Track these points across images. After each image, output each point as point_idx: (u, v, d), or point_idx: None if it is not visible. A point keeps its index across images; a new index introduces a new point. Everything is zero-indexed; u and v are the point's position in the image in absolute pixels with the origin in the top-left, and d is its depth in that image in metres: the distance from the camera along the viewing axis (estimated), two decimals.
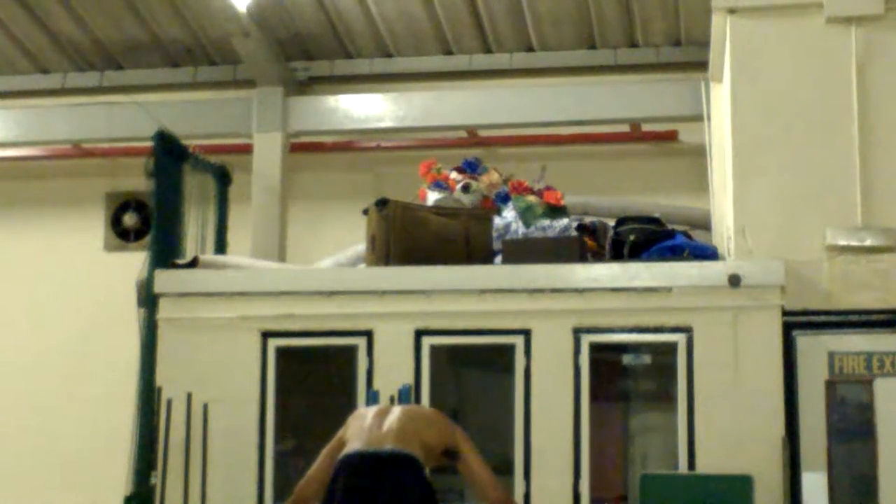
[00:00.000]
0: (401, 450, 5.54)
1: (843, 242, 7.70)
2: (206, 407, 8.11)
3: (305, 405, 8.46)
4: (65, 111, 11.98)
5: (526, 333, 7.81)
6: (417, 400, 7.71)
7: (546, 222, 8.54)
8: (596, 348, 7.80)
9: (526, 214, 8.59)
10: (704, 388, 7.58)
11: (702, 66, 9.70)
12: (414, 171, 9.34)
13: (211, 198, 9.93)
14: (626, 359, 8.14)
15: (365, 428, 5.75)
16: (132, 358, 8.79)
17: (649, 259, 8.03)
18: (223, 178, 10.15)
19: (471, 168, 9.13)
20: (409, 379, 7.77)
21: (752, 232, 7.79)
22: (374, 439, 5.61)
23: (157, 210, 8.97)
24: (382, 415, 5.86)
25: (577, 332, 7.79)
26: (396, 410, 5.92)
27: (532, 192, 8.91)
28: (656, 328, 7.77)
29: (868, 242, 7.68)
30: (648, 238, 8.24)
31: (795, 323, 7.60)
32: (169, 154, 9.10)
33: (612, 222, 8.71)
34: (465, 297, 7.91)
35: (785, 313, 7.60)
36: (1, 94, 12.34)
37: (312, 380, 8.56)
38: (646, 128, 11.32)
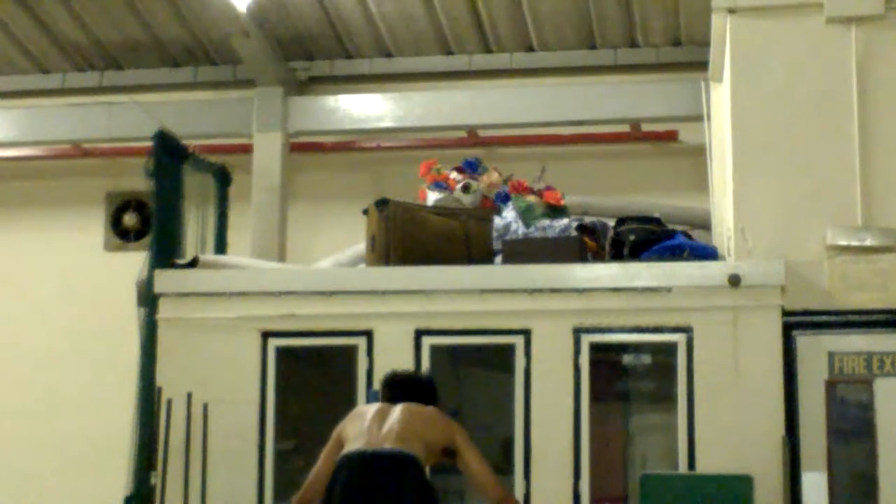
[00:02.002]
0: (401, 450, 5.54)
1: (843, 242, 7.70)
2: (206, 407, 8.11)
3: (305, 405, 8.46)
4: (65, 111, 11.98)
5: (526, 333, 7.81)
6: None
7: (546, 222, 8.53)
8: (596, 348, 7.81)
9: (526, 214, 8.59)
10: (704, 388, 7.59)
11: (702, 66, 9.70)
12: (414, 171, 9.34)
13: (211, 198, 9.93)
14: (626, 359, 8.14)
15: (364, 428, 5.75)
16: (132, 358, 8.79)
17: (649, 259, 8.03)
18: (223, 178, 10.14)
19: (471, 168, 9.14)
20: None
21: (752, 232, 7.79)
22: (375, 439, 5.61)
23: (157, 210, 8.96)
24: (382, 414, 5.86)
25: (577, 332, 7.79)
26: (396, 409, 5.92)
27: (532, 192, 8.91)
28: (656, 328, 7.77)
29: (868, 242, 7.68)
30: (648, 238, 8.24)
31: (795, 323, 7.60)
32: (169, 154, 9.09)
33: (612, 222, 8.71)
34: (465, 297, 7.91)
35: (785, 313, 7.61)
36: (1, 94, 12.34)
37: (312, 380, 8.56)
38: (646, 128, 11.32)
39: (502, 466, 7.79)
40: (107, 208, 12.36)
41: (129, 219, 12.24)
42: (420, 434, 5.76)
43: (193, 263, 8.57)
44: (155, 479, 8.13)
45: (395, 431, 5.68)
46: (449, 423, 6.00)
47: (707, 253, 8.13)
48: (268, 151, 11.36)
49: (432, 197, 8.88)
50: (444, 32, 11.33)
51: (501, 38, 11.36)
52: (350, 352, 8.02)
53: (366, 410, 6.01)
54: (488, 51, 11.54)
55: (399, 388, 6.13)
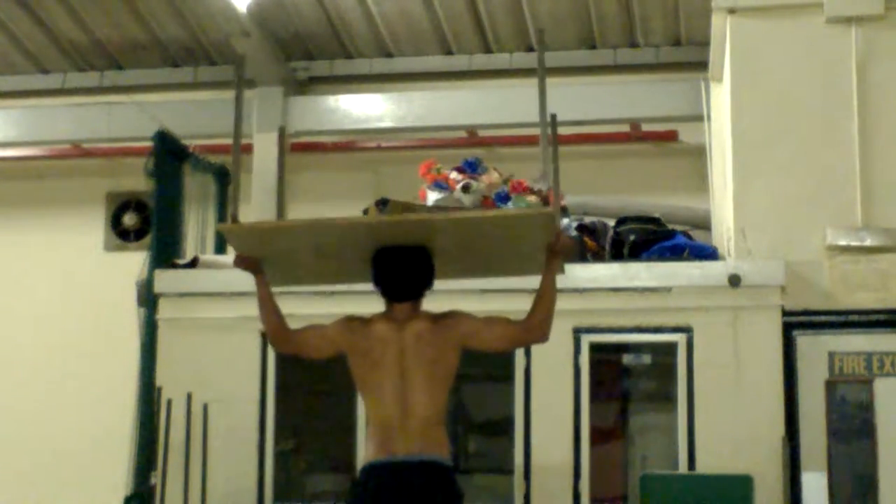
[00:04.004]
0: (429, 457, 5.23)
1: (843, 242, 7.70)
2: (206, 407, 8.11)
3: (305, 405, 8.46)
4: (65, 111, 11.98)
5: None
6: None
7: None
8: (596, 348, 7.81)
9: None
10: (704, 388, 7.59)
11: (702, 66, 9.70)
12: (414, 171, 9.33)
13: (211, 198, 9.93)
14: (626, 359, 8.15)
15: (386, 420, 5.29)
16: (132, 358, 8.79)
17: (649, 259, 8.03)
18: (223, 178, 10.14)
19: (471, 168, 9.11)
20: None
21: (752, 232, 7.79)
22: (400, 444, 5.27)
23: (157, 210, 8.97)
24: (397, 368, 5.28)
25: (577, 332, 7.79)
26: (410, 361, 5.29)
27: (532, 192, 8.89)
28: (656, 328, 7.78)
29: (868, 242, 7.69)
30: (648, 238, 8.25)
31: (795, 323, 7.61)
32: (169, 154, 9.10)
33: (612, 222, 8.71)
34: (465, 296, 7.88)
35: (785, 313, 7.61)
36: (1, 94, 12.34)
37: (312, 380, 8.56)
38: (646, 128, 11.31)
39: (502, 467, 7.81)
40: (107, 208, 12.36)
41: (129, 219, 12.24)
42: (444, 382, 5.32)
43: (193, 263, 8.57)
44: (155, 479, 8.13)
45: (422, 428, 5.21)
46: (453, 335, 5.39)
47: (707, 253, 8.13)
48: (268, 151, 11.35)
49: (432, 197, 8.87)
50: (444, 32, 11.33)
51: (501, 38, 11.36)
52: None
53: (378, 359, 5.31)
54: (488, 51, 11.54)
55: (400, 282, 5.50)
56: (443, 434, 5.35)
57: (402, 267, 5.50)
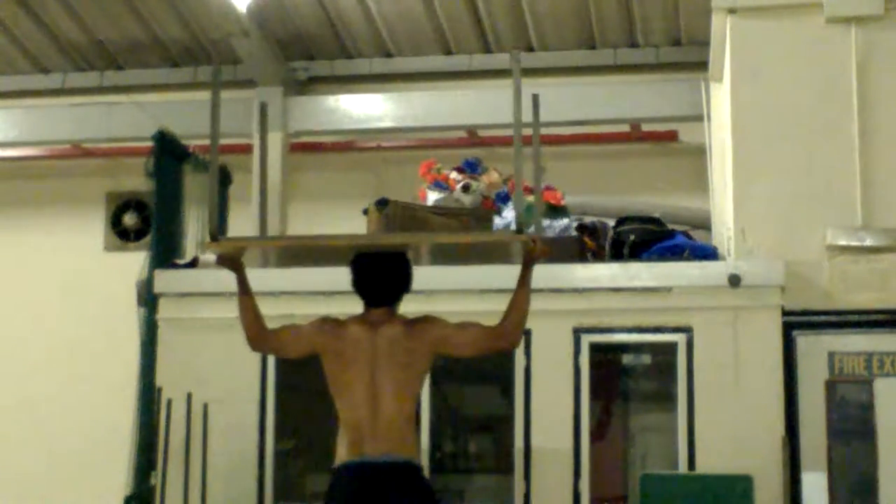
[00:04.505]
0: (399, 458, 5.28)
1: (843, 242, 7.70)
2: (206, 407, 8.11)
3: (305, 405, 8.45)
4: (65, 111, 11.98)
5: (526, 333, 7.78)
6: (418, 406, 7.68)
7: (546, 222, 8.53)
8: (596, 348, 7.81)
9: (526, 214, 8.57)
10: (704, 388, 7.59)
11: (702, 66, 9.70)
12: (414, 171, 9.34)
13: None
14: (626, 359, 8.15)
15: (357, 421, 5.37)
16: (132, 358, 8.79)
17: (649, 259, 8.03)
18: (223, 178, 10.14)
19: (471, 168, 9.13)
20: None
21: (752, 232, 7.79)
22: (370, 445, 5.32)
23: (157, 210, 8.97)
24: (368, 370, 5.35)
25: (577, 332, 7.79)
26: (381, 360, 5.35)
27: (532, 191, 8.89)
28: (656, 328, 7.77)
29: (868, 242, 7.69)
30: (648, 238, 8.24)
31: (795, 323, 7.61)
32: (169, 154, 9.10)
33: (612, 222, 8.71)
34: (465, 296, 7.90)
35: (785, 313, 7.61)
36: (1, 94, 12.35)
37: (312, 380, 8.55)
38: (646, 128, 11.32)
39: (502, 467, 7.81)
40: (107, 208, 12.37)
41: (129, 219, 12.25)
42: (414, 386, 5.40)
43: (193, 263, 8.57)
44: (155, 479, 8.13)
45: (391, 430, 5.28)
46: (425, 340, 5.43)
47: (707, 253, 8.13)
48: (268, 151, 11.33)
49: (432, 197, 8.88)
50: (444, 32, 11.34)
51: (501, 38, 11.36)
52: None
53: (351, 361, 5.39)
54: (488, 51, 11.54)
55: (377, 287, 5.60)
56: (412, 435, 5.42)
57: (379, 273, 5.61)
